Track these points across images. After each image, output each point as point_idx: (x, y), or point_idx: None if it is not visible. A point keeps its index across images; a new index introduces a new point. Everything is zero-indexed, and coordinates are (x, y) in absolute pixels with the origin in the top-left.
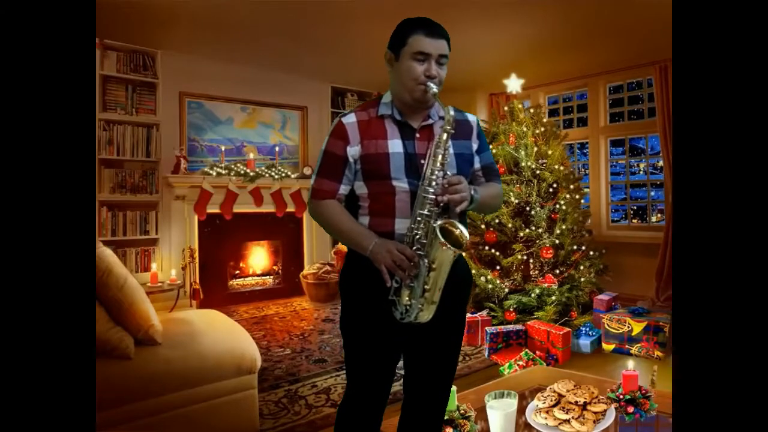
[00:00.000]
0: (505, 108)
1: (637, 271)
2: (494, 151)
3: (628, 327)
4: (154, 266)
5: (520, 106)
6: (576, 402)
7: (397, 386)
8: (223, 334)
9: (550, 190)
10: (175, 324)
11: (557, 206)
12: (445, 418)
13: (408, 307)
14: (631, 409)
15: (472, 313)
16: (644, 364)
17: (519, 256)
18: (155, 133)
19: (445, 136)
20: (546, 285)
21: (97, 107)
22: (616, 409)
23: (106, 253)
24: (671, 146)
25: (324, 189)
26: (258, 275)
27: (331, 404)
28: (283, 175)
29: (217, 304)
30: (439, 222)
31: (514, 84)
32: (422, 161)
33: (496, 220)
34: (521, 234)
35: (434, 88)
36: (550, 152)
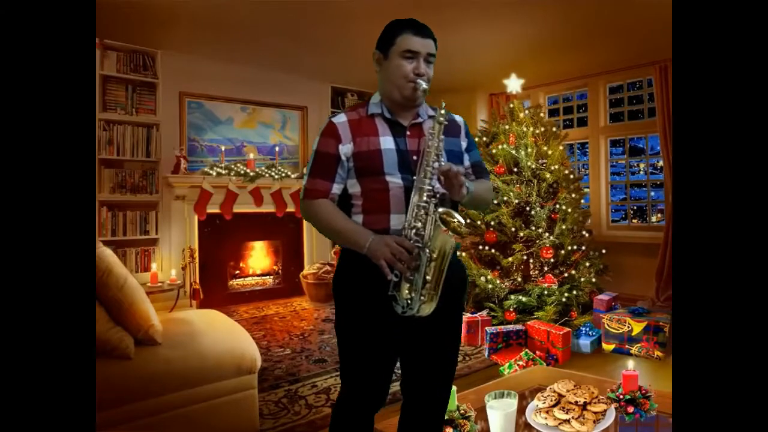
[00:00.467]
0: (505, 108)
1: (637, 271)
2: (494, 151)
3: (628, 327)
4: (154, 266)
5: (520, 106)
6: (576, 402)
7: (395, 386)
8: (223, 334)
9: (550, 190)
10: (175, 324)
11: (557, 206)
12: (445, 418)
13: (409, 301)
14: (631, 409)
15: (472, 313)
16: (644, 364)
17: (519, 256)
18: (155, 133)
19: (437, 126)
20: (546, 285)
21: (97, 107)
22: (616, 409)
23: (106, 253)
24: (671, 146)
25: (317, 189)
26: (258, 275)
27: (331, 404)
28: (283, 175)
29: (217, 304)
30: (438, 210)
31: (514, 84)
32: (414, 158)
33: (496, 220)
34: (521, 234)
35: (424, 84)
36: (550, 152)
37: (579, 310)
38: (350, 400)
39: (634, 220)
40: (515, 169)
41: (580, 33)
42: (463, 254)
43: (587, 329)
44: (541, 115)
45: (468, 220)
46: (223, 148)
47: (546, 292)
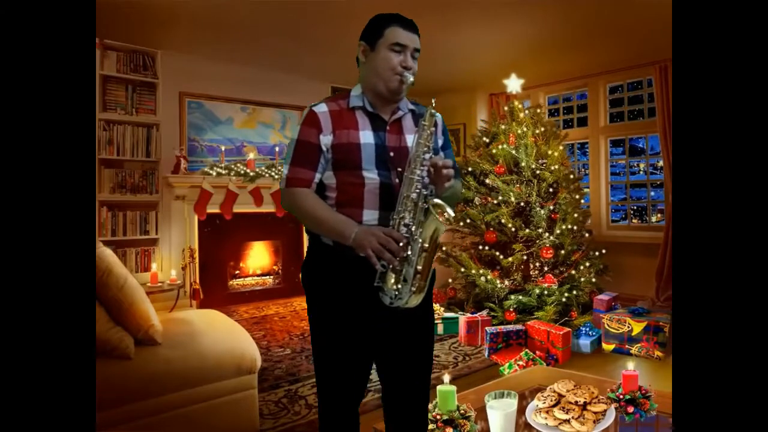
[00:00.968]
0: (505, 108)
1: (637, 271)
2: (494, 151)
3: (628, 327)
4: (154, 266)
5: (520, 106)
6: (576, 402)
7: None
8: (223, 334)
9: (550, 190)
10: (175, 324)
11: (557, 206)
12: (445, 418)
13: (397, 292)
14: (631, 409)
15: (472, 313)
16: (644, 364)
17: (519, 256)
18: (155, 133)
19: (430, 117)
20: (546, 285)
21: (97, 107)
22: (616, 409)
23: (106, 253)
24: (671, 146)
25: (300, 177)
26: (258, 275)
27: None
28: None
29: (217, 304)
30: (430, 200)
31: (514, 84)
32: (391, 154)
33: (496, 220)
34: (521, 234)
35: (411, 78)
36: (550, 152)
37: (579, 310)
38: (328, 395)
39: (634, 220)
40: (515, 169)
41: (580, 33)
42: (463, 254)
43: (587, 329)
44: (541, 115)
45: (468, 220)
46: (223, 148)
47: (546, 292)
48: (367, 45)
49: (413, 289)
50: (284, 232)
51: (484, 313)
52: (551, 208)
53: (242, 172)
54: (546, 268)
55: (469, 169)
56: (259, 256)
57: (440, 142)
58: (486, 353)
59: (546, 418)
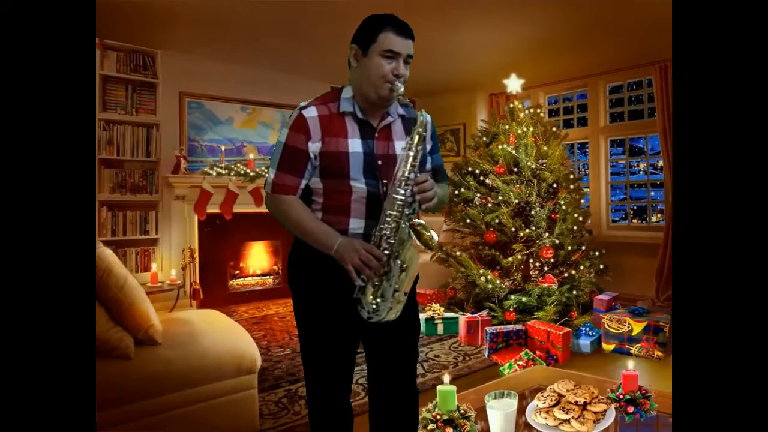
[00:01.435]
0: (505, 108)
1: (637, 271)
2: (494, 151)
3: (628, 327)
4: (154, 266)
5: (520, 106)
6: (576, 402)
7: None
8: (223, 334)
9: (550, 190)
10: (175, 324)
11: (557, 206)
12: (445, 418)
13: (376, 306)
14: (631, 409)
15: (472, 313)
16: (644, 364)
17: (519, 256)
18: (155, 133)
19: (417, 138)
20: (546, 285)
21: (97, 107)
22: (616, 409)
23: (106, 253)
24: (671, 146)
25: (286, 184)
26: (258, 275)
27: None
28: None
29: (217, 304)
30: (411, 222)
31: (514, 84)
32: (380, 162)
33: (496, 220)
34: (521, 234)
35: (401, 87)
36: (550, 152)
37: (579, 310)
38: (319, 387)
39: (634, 220)
40: (515, 169)
41: (580, 33)
42: (463, 254)
43: (587, 329)
44: (541, 115)
45: (468, 220)
46: (223, 148)
47: (546, 292)
48: (359, 49)
49: (390, 306)
50: (284, 232)
51: (484, 313)
52: (551, 208)
53: (242, 172)
54: (546, 268)
55: (469, 169)
56: (259, 256)
57: (428, 147)
58: (486, 353)
59: (546, 418)
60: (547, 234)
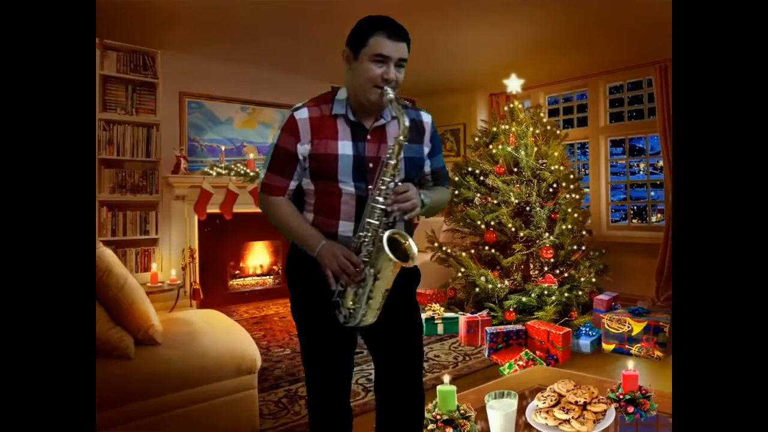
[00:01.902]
0: (505, 108)
1: (637, 271)
2: (494, 151)
3: (628, 327)
4: (154, 266)
5: (520, 106)
6: (576, 402)
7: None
8: (223, 334)
9: (550, 190)
10: (175, 324)
11: (557, 206)
12: (445, 418)
13: (352, 311)
14: (631, 409)
15: (472, 313)
16: (644, 364)
17: (519, 256)
18: (155, 133)
19: (398, 147)
20: (546, 285)
21: (97, 107)
22: (616, 409)
23: (106, 253)
24: (671, 146)
25: (275, 185)
26: (258, 275)
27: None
28: None
29: (217, 304)
30: (386, 233)
31: (514, 84)
32: (370, 165)
33: (496, 220)
34: (521, 234)
35: (390, 93)
36: (550, 152)
37: (579, 310)
38: (316, 385)
39: (634, 220)
40: (515, 169)
41: (580, 33)
42: (463, 254)
43: (587, 329)
44: (541, 115)
45: (468, 220)
46: (223, 148)
47: (546, 292)
48: (351, 52)
49: (364, 312)
50: None
51: (484, 313)
52: (551, 208)
53: (242, 172)
54: (546, 268)
55: (469, 169)
56: (259, 256)
57: (426, 150)
58: (486, 353)
59: (546, 418)
60: (547, 234)
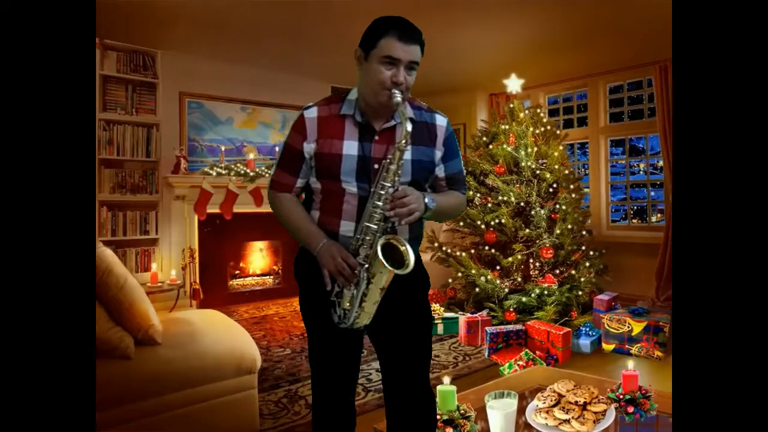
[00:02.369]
0: (505, 108)
1: (637, 271)
2: (494, 151)
3: (628, 327)
4: (154, 266)
5: (520, 106)
6: (576, 402)
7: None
8: (223, 334)
9: (550, 190)
10: (175, 324)
11: (557, 206)
12: (445, 418)
13: (346, 312)
14: (631, 409)
15: (472, 313)
16: (644, 364)
17: (519, 256)
18: (155, 133)
19: (398, 153)
20: (546, 285)
21: (97, 107)
22: (616, 409)
23: (106, 253)
24: (671, 146)
25: (282, 182)
26: (258, 275)
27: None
28: None
29: (217, 304)
30: (382, 239)
31: (514, 84)
32: (376, 166)
33: (496, 220)
34: (521, 234)
35: (398, 96)
36: (550, 152)
37: (579, 310)
38: (320, 384)
39: (634, 220)
40: (515, 169)
41: (580, 33)
42: (463, 254)
43: (587, 329)
44: (541, 115)
45: (468, 220)
46: (223, 148)
47: (546, 292)
48: (363, 53)
49: (357, 314)
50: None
51: (484, 313)
52: (551, 208)
53: (242, 172)
54: (546, 268)
55: (469, 169)
56: (259, 256)
57: (439, 155)
58: (486, 353)
59: (546, 418)
60: (547, 234)
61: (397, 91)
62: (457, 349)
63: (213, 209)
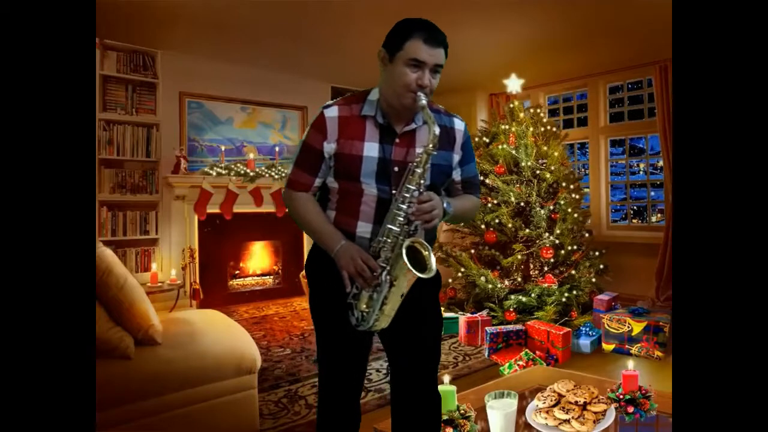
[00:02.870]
0: (505, 108)
1: (637, 271)
2: (494, 151)
3: (628, 327)
4: (154, 266)
5: (520, 106)
6: (576, 402)
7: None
8: (223, 334)
9: (550, 190)
10: (175, 324)
11: (557, 206)
12: (445, 418)
13: (365, 314)
14: (631, 409)
15: (472, 313)
16: (644, 364)
17: (519, 256)
18: (155, 133)
19: (426, 156)
20: (546, 285)
21: (97, 107)
22: (616, 409)
23: (106, 253)
24: (671, 146)
25: (300, 181)
26: (258, 275)
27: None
28: (283, 175)
29: (217, 304)
30: (407, 242)
31: (514, 84)
32: (395, 168)
33: (496, 220)
34: (521, 234)
35: (423, 99)
36: (550, 152)
37: (579, 310)
38: (328, 384)
39: (634, 220)
40: (515, 169)
41: (580, 33)
42: (463, 254)
43: (587, 329)
44: (541, 115)
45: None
46: (223, 148)
47: (546, 292)
48: (387, 54)
49: (377, 317)
50: (284, 232)
51: (484, 313)
52: (551, 208)
53: (242, 172)
54: (546, 268)
55: None
56: (259, 256)
57: (456, 158)
58: (486, 353)
59: (546, 418)
60: (547, 234)
61: (422, 94)
62: (457, 349)
63: (213, 209)
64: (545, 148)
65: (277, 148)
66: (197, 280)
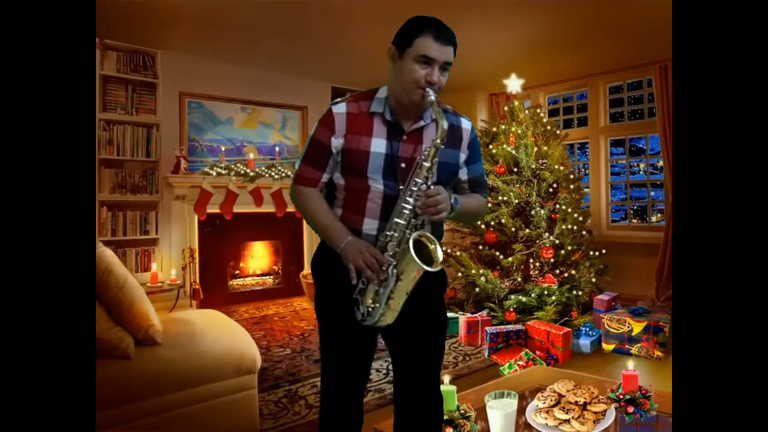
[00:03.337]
0: (505, 108)
1: (637, 271)
2: (494, 151)
3: (628, 327)
4: (154, 266)
5: (520, 106)
6: (576, 402)
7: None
8: (223, 334)
9: (550, 190)
10: (175, 324)
11: (557, 206)
12: (445, 418)
13: (371, 310)
14: (631, 409)
15: (472, 313)
16: (644, 364)
17: (519, 256)
18: (155, 133)
19: (434, 150)
20: (546, 285)
21: (97, 107)
22: (616, 409)
23: (106, 253)
24: (671, 146)
25: (307, 176)
26: (258, 275)
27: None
28: (283, 175)
29: (217, 304)
30: (414, 235)
31: (514, 84)
32: (403, 165)
33: (496, 220)
34: (521, 234)
35: (432, 95)
36: (550, 152)
37: (579, 310)
38: (331, 383)
39: (634, 220)
40: (515, 169)
41: (580, 33)
42: (463, 254)
43: (587, 329)
44: (541, 115)
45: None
46: (223, 148)
47: (546, 292)
48: (396, 51)
49: (383, 312)
50: (284, 232)
51: (484, 313)
52: (551, 208)
53: (242, 172)
54: (546, 268)
55: None
56: (259, 256)
57: (463, 157)
58: (486, 353)
59: (546, 418)
60: (547, 234)
61: (431, 90)
62: (457, 349)
63: (213, 209)
64: (545, 148)
65: (277, 148)
66: (197, 280)
